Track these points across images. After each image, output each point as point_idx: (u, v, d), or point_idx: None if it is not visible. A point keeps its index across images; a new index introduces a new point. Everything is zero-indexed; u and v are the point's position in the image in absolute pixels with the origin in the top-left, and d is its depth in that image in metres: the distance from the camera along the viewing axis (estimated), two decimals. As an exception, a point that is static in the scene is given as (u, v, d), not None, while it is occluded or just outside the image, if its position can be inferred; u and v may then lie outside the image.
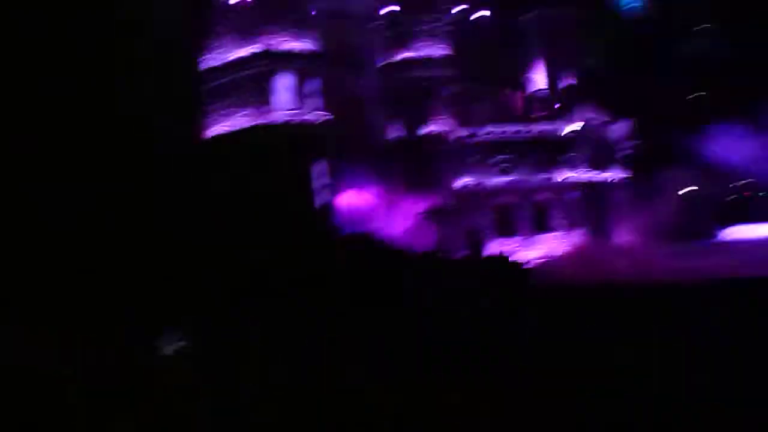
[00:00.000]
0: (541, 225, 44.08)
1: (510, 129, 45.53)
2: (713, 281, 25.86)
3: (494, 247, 41.81)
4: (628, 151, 49.50)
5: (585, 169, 48.04)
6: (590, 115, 48.94)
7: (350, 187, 42.77)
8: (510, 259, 38.35)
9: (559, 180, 46.19)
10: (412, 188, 42.72)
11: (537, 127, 45.96)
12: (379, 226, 39.68)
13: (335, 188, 40.88)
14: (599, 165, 48.89)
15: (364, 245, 35.00)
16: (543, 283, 34.32)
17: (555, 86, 48.76)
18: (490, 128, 45.66)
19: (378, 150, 44.65)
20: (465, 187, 44.84)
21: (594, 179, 48.47)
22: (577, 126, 47.53)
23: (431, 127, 45.36)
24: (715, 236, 47.35)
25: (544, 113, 48.51)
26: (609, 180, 49.20)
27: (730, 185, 47.83)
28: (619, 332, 17.71)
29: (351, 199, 42.00)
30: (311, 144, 40.03)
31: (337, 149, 41.65)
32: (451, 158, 45.02)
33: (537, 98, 49.63)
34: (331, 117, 40.43)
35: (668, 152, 48.63)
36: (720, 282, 25.89)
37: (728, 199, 48.46)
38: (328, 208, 40.50)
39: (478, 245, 41.29)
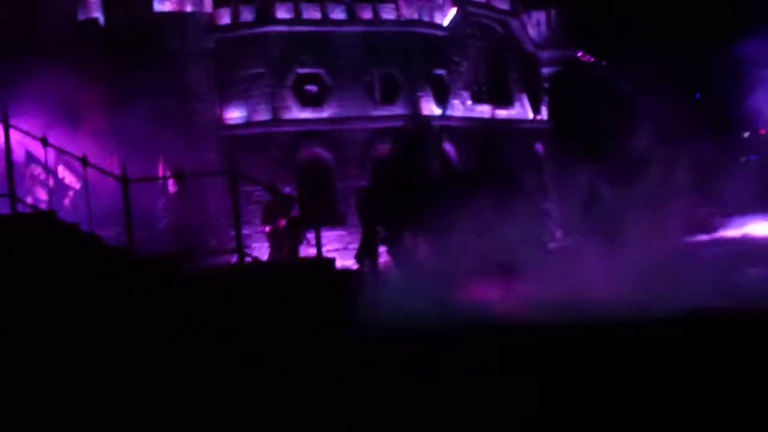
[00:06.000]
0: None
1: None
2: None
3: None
4: (554, 68, 30.42)
5: (470, 100, 27.43)
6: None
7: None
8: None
9: (418, 115, 25.28)
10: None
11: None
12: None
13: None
14: (498, 93, 28.60)
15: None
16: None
17: None
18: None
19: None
20: (227, 127, 24.22)
21: (488, 117, 28.00)
22: (452, 15, 26.82)
23: None
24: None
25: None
26: (516, 120, 29.10)
27: None
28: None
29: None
30: None
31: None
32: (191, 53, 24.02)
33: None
34: None
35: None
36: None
37: None
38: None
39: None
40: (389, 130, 24.83)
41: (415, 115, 24.73)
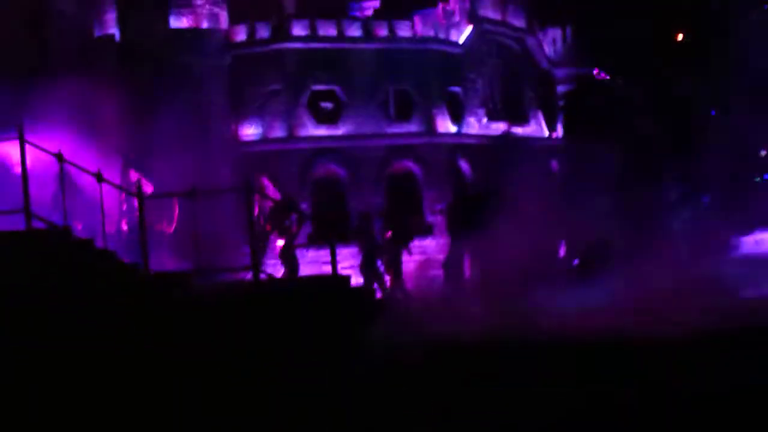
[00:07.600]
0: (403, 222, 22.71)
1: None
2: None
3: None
4: (569, 86, 29.54)
5: (485, 118, 26.87)
6: (492, 14, 27.39)
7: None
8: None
9: (436, 135, 25.32)
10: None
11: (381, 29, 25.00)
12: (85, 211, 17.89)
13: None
14: (514, 111, 28.07)
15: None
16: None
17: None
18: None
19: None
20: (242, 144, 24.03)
21: (502, 134, 27.22)
22: (468, 33, 26.40)
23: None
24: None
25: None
26: (535, 138, 28.36)
27: None
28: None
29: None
30: None
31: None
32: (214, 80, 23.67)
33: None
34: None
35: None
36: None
37: None
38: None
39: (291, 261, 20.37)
40: (404, 147, 24.76)
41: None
